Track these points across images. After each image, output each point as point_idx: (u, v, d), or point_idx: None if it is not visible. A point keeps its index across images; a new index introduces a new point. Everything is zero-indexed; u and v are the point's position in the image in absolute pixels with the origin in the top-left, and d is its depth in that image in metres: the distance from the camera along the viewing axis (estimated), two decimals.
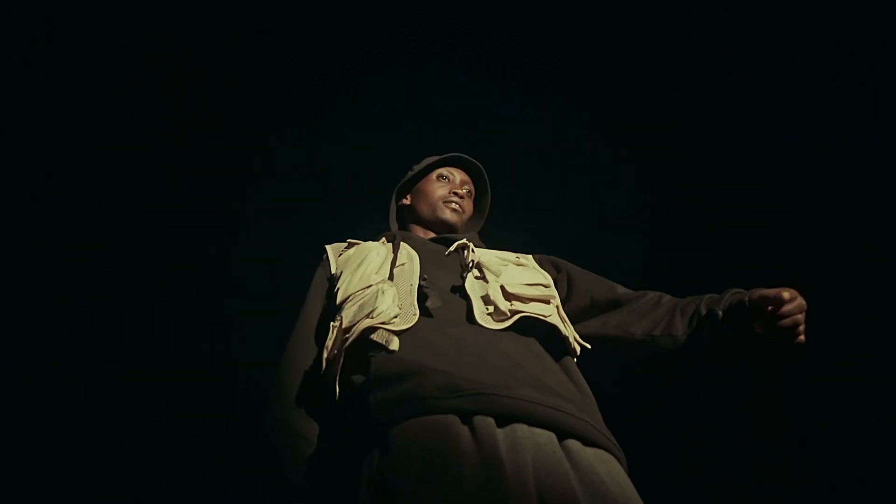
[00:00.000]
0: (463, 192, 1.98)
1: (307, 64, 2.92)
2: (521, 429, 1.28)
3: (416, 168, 2.04)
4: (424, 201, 1.97)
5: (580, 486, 1.22)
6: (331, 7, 2.87)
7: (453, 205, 1.94)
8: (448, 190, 1.97)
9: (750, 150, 2.87)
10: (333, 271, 1.75)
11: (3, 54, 2.59)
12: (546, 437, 1.28)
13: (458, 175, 2.01)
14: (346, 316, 1.52)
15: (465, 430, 1.27)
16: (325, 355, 1.51)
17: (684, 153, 2.90)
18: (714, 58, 2.84)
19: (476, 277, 1.63)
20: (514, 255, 1.79)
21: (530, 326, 1.53)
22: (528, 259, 1.81)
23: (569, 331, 1.60)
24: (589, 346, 1.61)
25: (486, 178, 2.05)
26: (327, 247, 1.85)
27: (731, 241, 2.86)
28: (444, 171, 2.01)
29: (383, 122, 2.93)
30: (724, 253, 2.84)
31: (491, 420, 1.28)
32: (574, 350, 1.59)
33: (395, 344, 1.44)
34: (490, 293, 1.56)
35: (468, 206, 2.00)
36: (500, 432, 1.27)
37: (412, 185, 2.04)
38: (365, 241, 1.84)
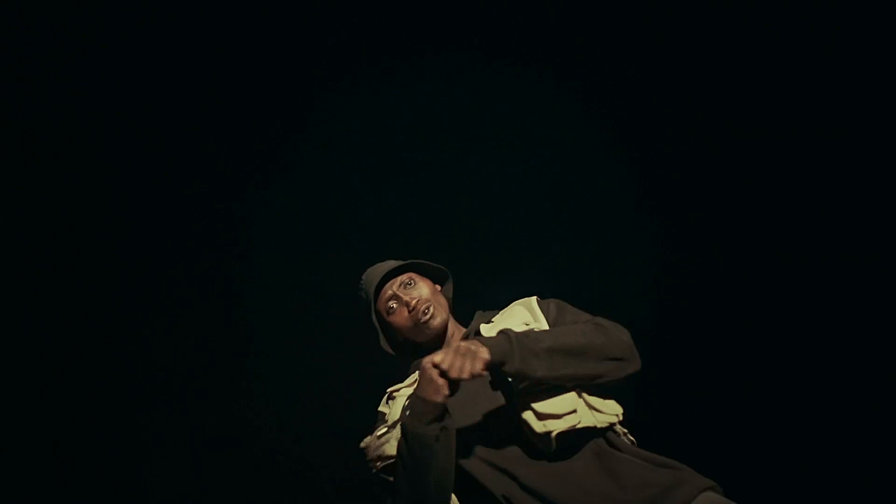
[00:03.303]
0: (413, 295, 1.81)
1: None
2: None
3: (373, 316, 1.86)
4: (402, 333, 1.85)
5: None
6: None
7: (423, 318, 1.78)
8: (406, 314, 1.81)
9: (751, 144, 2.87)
10: None
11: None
12: None
13: (395, 288, 1.84)
14: None
15: None
16: None
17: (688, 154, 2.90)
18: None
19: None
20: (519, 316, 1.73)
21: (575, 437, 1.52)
22: (532, 305, 1.76)
23: (598, 418, 1.55)
24: (617, 420, 1.58)
25: (408, 260, 1.90)
26: None
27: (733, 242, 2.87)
28: (384, 298, 1.84)
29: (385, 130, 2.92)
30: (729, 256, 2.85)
31: None
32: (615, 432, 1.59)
33: None
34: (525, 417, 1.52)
35: (422, 291, 1.83)
36: None
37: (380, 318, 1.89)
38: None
